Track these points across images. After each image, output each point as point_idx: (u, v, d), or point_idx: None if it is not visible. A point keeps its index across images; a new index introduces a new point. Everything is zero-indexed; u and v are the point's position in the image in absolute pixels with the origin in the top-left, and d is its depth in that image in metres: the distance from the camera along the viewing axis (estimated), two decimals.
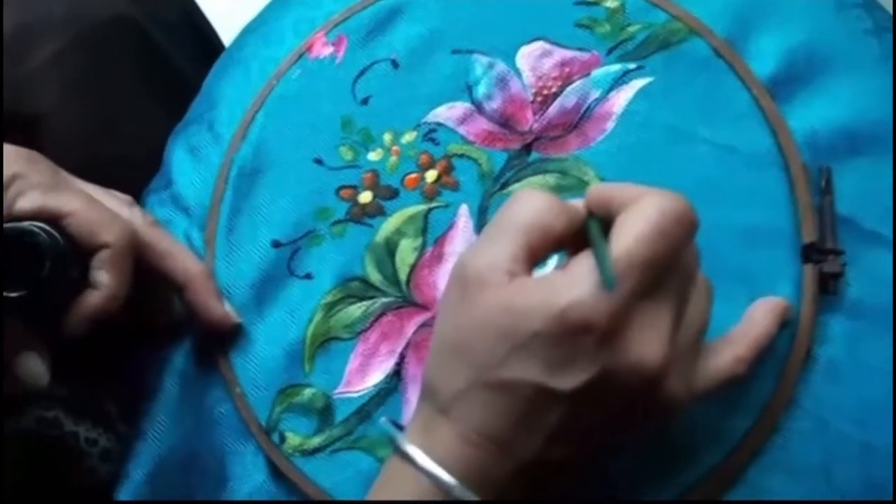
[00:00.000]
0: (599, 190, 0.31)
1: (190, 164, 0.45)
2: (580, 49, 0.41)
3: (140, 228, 0.38)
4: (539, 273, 0.30)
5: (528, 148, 0.40)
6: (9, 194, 0.35)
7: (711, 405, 0.35)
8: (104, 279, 0.35)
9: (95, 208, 0.36)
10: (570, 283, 0.28)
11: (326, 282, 0.40)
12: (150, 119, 0.48)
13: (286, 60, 0.45)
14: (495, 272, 0.29)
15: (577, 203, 0.31)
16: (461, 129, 0.41)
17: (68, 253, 0.35)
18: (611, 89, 0.40)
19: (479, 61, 0.42)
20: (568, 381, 0.28)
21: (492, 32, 0.42)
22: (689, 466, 0.34)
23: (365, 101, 0.43)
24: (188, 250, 0.41)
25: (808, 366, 0.35)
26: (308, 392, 0.39)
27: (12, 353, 0.35)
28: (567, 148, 0.40)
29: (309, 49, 0.45)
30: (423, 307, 0.39)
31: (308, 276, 0.41)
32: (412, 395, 0.38)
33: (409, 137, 0.42)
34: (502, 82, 0.42)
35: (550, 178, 0.40)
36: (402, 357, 0.39)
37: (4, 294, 0.34)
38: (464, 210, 0.40)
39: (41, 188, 0.35)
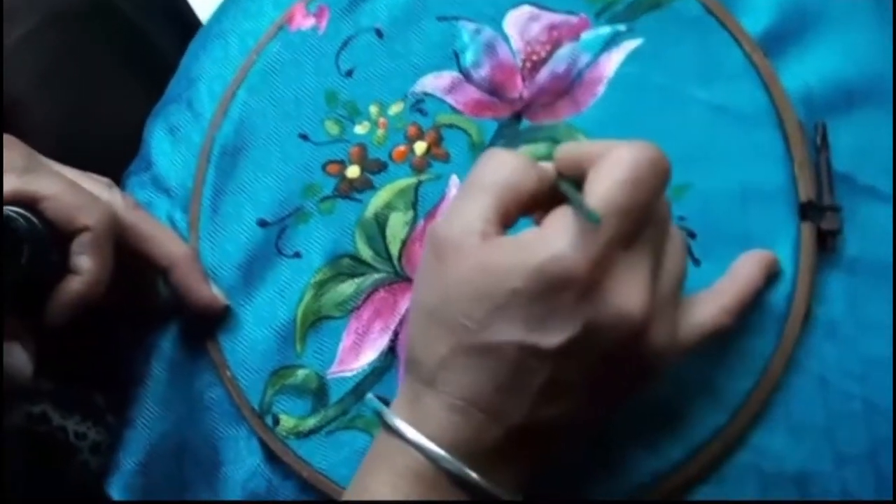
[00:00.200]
0: (568, 149, 0.31)
1: (170, 144, 0.45)
2: (569, 12, 0.41)
3: (120, 211, 0.38)
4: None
5: (518, 116, 0.41)
6: None
7: (712, 367, 0.35)
8: (85, 264, 0.35)
9: (74, 191, 0.36)
10: (547, 239, 0.28)
11: (316, 260, 0.41)
12: (129, 99, 0.47)
13: (266, 34, 0.44)
14: (468, 235, 0.29)
15: (547, 164, 0.31)
16: (450, 99, 0.42)
17: (47, 238, 0.35)
18: (601, 53, 0.40)
19: (466, 27, 0.42)
20: (551, 337, 0.28)
21: None
22: (693, 429, 0.35)
23: (349, 73, 0.43)
24: (172, 232, 0.41)
25: (807, 324, 0.35)
26: (301, 373, 0.39)
27: None
28: (558, 114, 0.40)
29: (289, 21, 0.45)
30: None
31: (297, 255, 0.41)
32: None
33: (396, 109, 0.42)
34: (490, 48, 0.42)
35: (542, 147, 0.40)
36: (396, 334, 0.39)
37: None
38: (454, 181, 0.40)
39: (16, 172, 0.35)
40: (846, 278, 0.36)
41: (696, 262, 0.37)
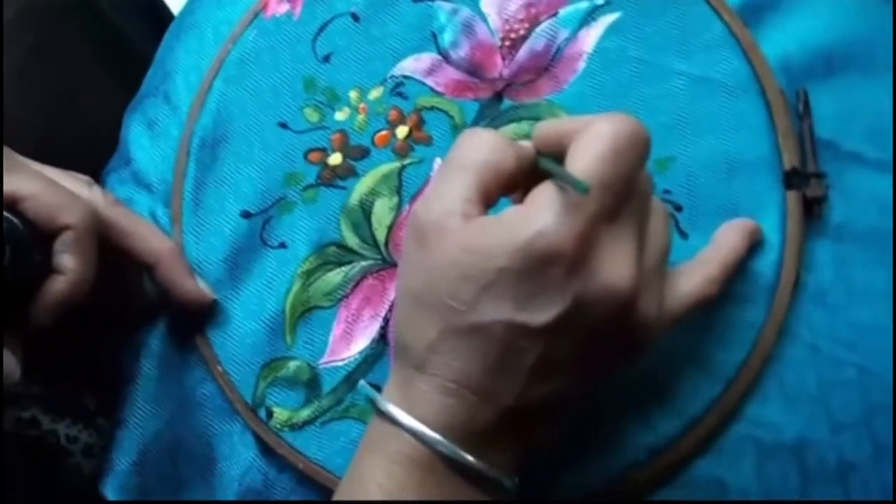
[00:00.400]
0: (546, 127, 0.31)
1: (148, 139, 0.45)
2: None
3: (101, 208, 0.38)
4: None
5: (499, 96, 0.41)
6: None
7: (704, 339, 0.36)
8: (69, 263, 0.35)
9: (53, 190, 0.36)
10: (531, 216, 0.28)
11: (302, 250, 0.41)
12: (105, 95, 0.47)
13: (241, 22, 0.45)
14: (450, 216, 0.29)
15: (525, 143, 0.32)
16: (429, 81, 0.42)
17: (29, 238, 0.35)
18: (580, 28, 0.41)
19: (443, 8, 0.43)
20: (541, 314, 0.28)
21: None
22: (688, 403, 0.36)
23: (327, 59, 0.43)
24: (154, 228, 0.41)
25: (797, 293, 0.36)
26: (292, 365, 0.40)
27: None
28: (539, 92, 0.41)
29: (264, 8, 0.45)
30: None
31: (282, 246, 0.41)
32: None
33: (376, 93, 0.42)
34: (468, 28, 0.42)
35: (525, 126, 0.40)
36: (386, 320, 0.39)
37: None
38: (438, 164, 0.41)
39: None
40: (833, 245, 0.37)
41: (684, 234, 0.37)
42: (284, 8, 0.45)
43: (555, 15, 0.41)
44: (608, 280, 0.28)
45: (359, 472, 0.31)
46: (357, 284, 0.40)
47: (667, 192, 0.38)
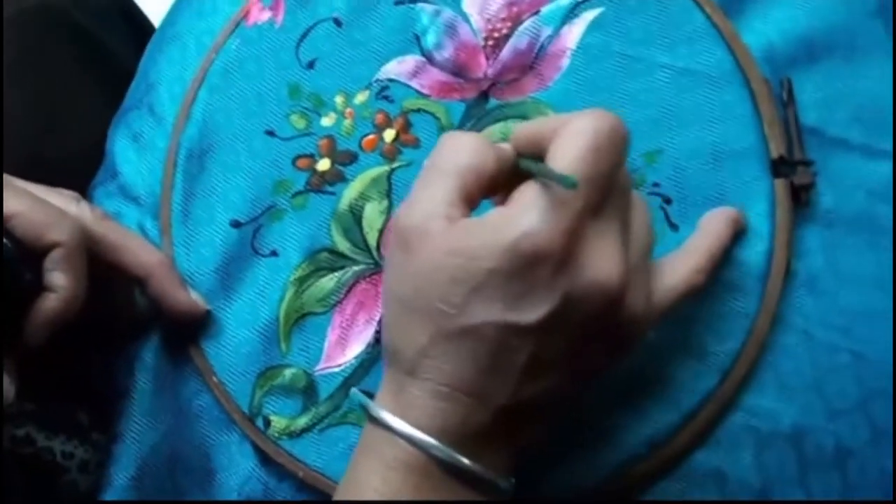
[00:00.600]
0: (523, 129, 0.32)
1: (134, 151, 0.46)
2: None
3: (90, 224, 0.38)
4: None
5: (484, 95, 0.42)
6: None
7: (698, 331, 0.37)
8: (60, 280, 0.36)
9: (41, 208, 0.36)
10: (516, 216, 0.29)
11: (294, 257, 0.42)
12: (89, 109, 0.48)
13: (223, 31, 0.45)
14: (434, 220, 0.30)
15: (504, 145, 0.32)
16: (415, 83, 0.43)
17: (18, 257, 0.36)
18: (562, 24, 0.41)
19: (425, 10, 0.43)
20: (531, 314, 0.28)
21: None
22: (685, 395, 0.36)
23: (311, 65, 0.44)
24: (144, 241, 0.41)
25: (788, 280, 0.37)
26: (288, 372, 0.40)
27: None
28: (524, 90, 0.41)
29: (246, 16, 0.45)
30: None
31: (274, 254, 0.42)
32: None
33: (361, 98, 0.43)
34: (451, 29, 0.43)
35: (512, 124, 0.41)
36: (381, 324, 0.40)
37: None
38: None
39: None
40: (822, 231, 0.37)
41: (674, 226, 0.38)
42: (266, 16, 0.45)
43: (537, 13, 0.42)
44: (596, 276, 0.29)
45: (355, 478, 0.31)
46: (350, 289, 0.41)
47: (656, 184, 0.38)
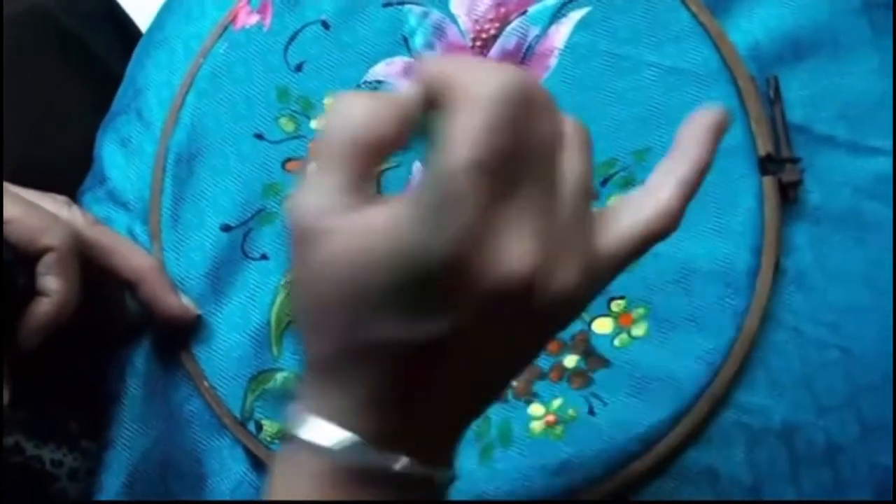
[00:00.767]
0: (430, 71, 0.26)
1: (123, 157, 0.46)
2: None
3: (82, 228, 0.39)
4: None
5: None
6: None
7: (688, 328, 0.37)
8: (52, 284, 0.36)
9: (33, 213, 0.37)
10: (413, 223, 0.25)
11: (284, 260, 0.42)
12: (77, 115, 0.48)
13: (211, 35, 0.46)
14: (328, 215, 0.26)
15: (408, 94, 0.27)
16: (404, 84, 0.43)
17: (12, 262, 0.36)
18: (550, 24, 0.42)
19: (413, 11, 0.44)
20: (434, 328, 0.26)
21: None
22: (677, 392, 0.37)
23: (299, 68, 0.44)
24: (135, 245, 0.42)
25: (777, 277, 0.37)
26: (280, 376, 0.40)
27: None
28: None
29: (233, 20, 0.46)
30: None
31: (264, 257, 0.42)
32: None
33: None
34: (439, 30, 0.43)
35: None
36: None
37: None
38: (418, 168, 0.42)
39: None
40: (810, 228, 0.38)
41: None
42: (254, 19, 0.46)
43: (524, 13, 0.42)
44: (502, 271, 0.25)
45: (284, 492, 0.28)
46: None
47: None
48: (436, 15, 0.43)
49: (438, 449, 0.29)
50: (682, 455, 0.37)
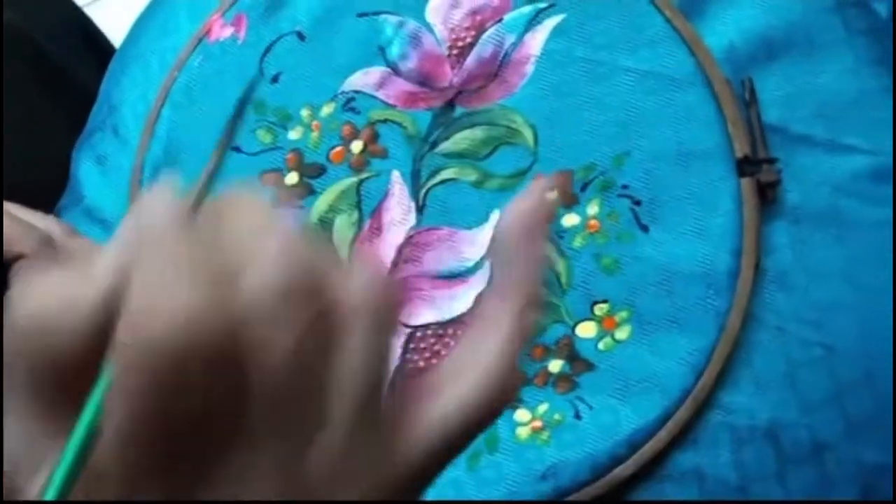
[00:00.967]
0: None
1: (99, 174, 0.46)
2: None
3: (58, 238, 0.39)
4: None
5: (451, 104, 0.42)
6: None
7: (672, 331, 0.37)
8: None
9: (8, 221, 0.37)
10: None
11: None
12: (52, 133, 0.48)
13: (185, 48, 0.46)
14: None
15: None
16: (381, 94, 0.43)
17: None
18: (525, 32, 0.42)
19: (389, 21, 0.44)
20: None
21: None
22: (662, 395, 0.37)
23: (275, 79, 0.44)
24: None
25: (758, 278, 0.38)
26: None
27: None
28: (491, 98, 0.42)
29: (208, 33, 0.46)
30: None
31: None
32: None
33: (327, 110, 0.44)
34: (415, 40, 0.43)
35: (479, 131, 0.42)
36: None
37: None
38: (396, 177, 0.42)
39: None
40: (790, 227, 0.38)
41: (645, 228, 0.39)
42: (228, 32, 0.46)
43: (500, 21, 0.43)
44: None
45: None
46: None
47: (625, 186, 0.39)
48: (412, 24, 0.44)
49: None
50: (669, 457, 0.37)
